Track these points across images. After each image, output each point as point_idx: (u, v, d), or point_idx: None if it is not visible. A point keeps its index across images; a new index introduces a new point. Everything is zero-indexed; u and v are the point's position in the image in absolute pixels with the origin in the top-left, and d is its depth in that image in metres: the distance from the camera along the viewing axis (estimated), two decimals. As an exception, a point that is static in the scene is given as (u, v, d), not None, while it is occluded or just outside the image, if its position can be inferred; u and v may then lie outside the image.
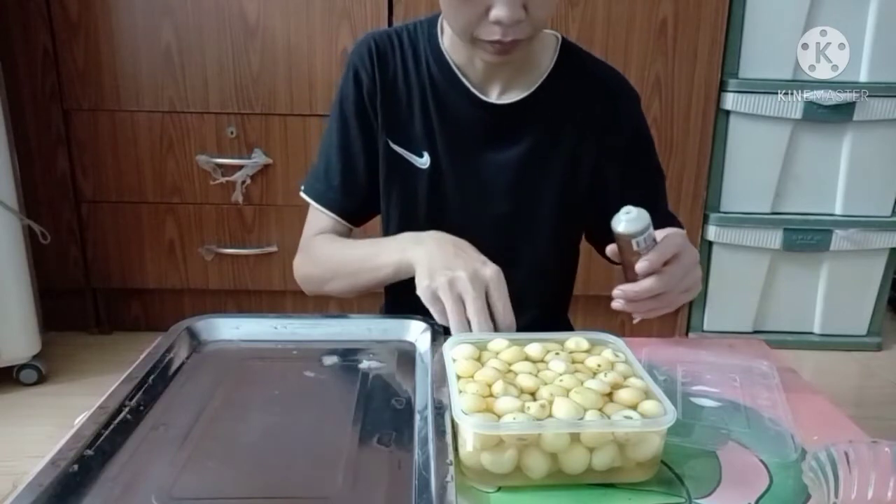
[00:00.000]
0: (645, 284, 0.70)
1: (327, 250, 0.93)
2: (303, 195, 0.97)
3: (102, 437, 0.59)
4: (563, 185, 0.92)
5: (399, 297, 0.98)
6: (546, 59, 0.90)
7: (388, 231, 0.97)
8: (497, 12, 0.75)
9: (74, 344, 2.07)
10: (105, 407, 0.62)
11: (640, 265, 0.70)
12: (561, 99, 0.90)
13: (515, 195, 0.91)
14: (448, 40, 0.89)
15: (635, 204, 0.72)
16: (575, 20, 1.88)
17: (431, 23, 0.91)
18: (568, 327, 1.05)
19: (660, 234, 0.75)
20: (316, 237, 0.95)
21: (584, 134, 0.91)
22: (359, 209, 0.96)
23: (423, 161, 0.91)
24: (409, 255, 0.79)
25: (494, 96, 0.89)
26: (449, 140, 0.90)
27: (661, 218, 0.89)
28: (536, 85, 0.89)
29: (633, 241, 0.70)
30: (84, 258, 2.05)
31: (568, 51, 0.92)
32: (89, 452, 0.57)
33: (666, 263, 0.71)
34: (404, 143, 0.91)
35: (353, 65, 0.92)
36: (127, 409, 0.63)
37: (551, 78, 0.89)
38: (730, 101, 1.95)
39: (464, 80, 0.88)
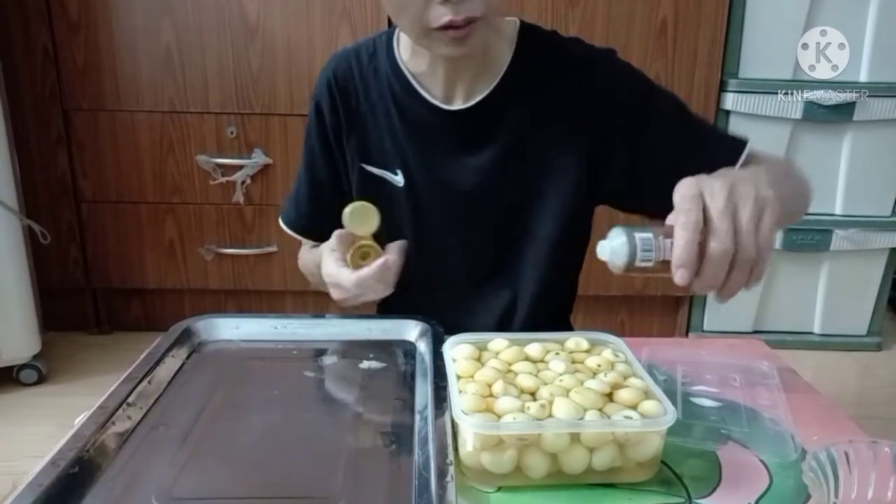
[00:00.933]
0: (704, 282, 0.57)
1: (304, 257, 1.00)
2: (280, 221, 1.00)
3: (102, 437, 0.59)
4: (556, 177, 0.86)
5: (386, 300, 0.99)
6: (506, 49, 0.84)
7: None
8: None
9: (74, 344, 2.07)
10: (105, 407, 0.62)
11: (679, 276, 0.56)
12: (530, 87, 0.84)
13: (503, 199, 0.87)
14: (406, 51, 0.86)
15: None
16: (575, 20, 1.88)
17: (389, 35, 0.88)
18: (568, 328, 1.04)
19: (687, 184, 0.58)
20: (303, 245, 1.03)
21: (568, 118, 0.84)
22: (330, 234, 0.93)
23: (399, 179, 0.89)
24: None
25: (460, 101, 0.84)
26: (420, 155, 0.87)
27: (713, 151, 0.78)
28: (498, 79, 0.84)
29: (638, 265, 0.58)
30: (84, 258, 2.05)
31: (527, 33, 0.86)
32: (89, 452, 0.57)
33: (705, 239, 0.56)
34: (380, 163, 0.89)
35: (315, 98, 0.91)
36: (127, 409, 0.63)
37: (514, 68, 0.84)
38: (730, 101, 1.95)
39: (422, 91, 0.85)
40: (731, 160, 0.79)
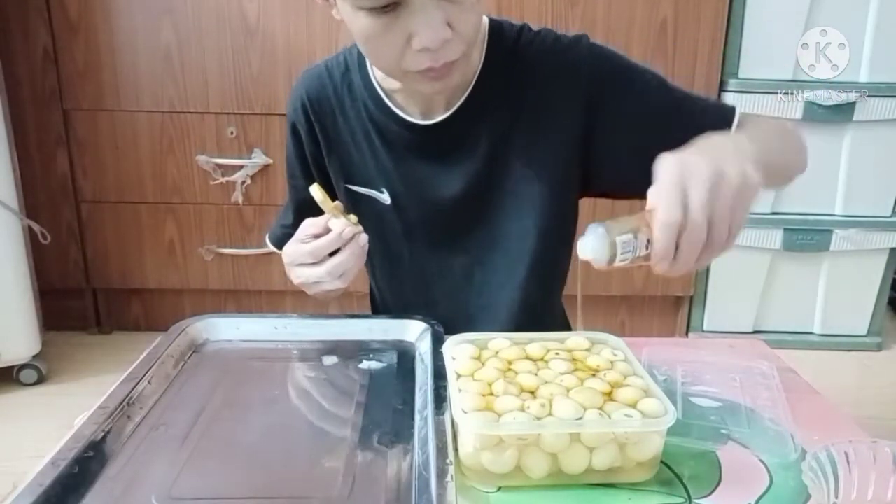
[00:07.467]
0: (677, 268, 0.58)
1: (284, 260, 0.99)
2: (266, 239, 0.99)
3: (102, 437, 0.59)
4: (541, 171, 0.83)
5: (386, 310, 0.99)
6: (476, 52, 0.81)
7: (374, 273, 0.97)
8: (421, 40, 0.67)
9: (74, 344, 2.07)
10: (105, 407, 0.62)
11: (659, 269, 0.59)
12: (504, 88, 0.82)
13: (490, 202, 0.86)
14: (379, 70, 0.84)
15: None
16: (575, 20, 1.89)
17: (361, 52, 0.86)
18: (564, 319, 1.02)
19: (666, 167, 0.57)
20: None
21: (546, 111, 0.82)
22: None
23: (385, 197, 0.87)
24: None
25: (440, 112, 0.82)
26: (404, 173, 0.86)
27: (700, 122, 0.74)
28: (470, 88, 0.81)
29: (617, 264, 0.60)
30: (84, 258, 2.05)
31: (496, 32, 0.83)
32: (89, 452, 0.57)
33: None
34: (364, 182, 0.88)
35: (290, 120, 0.90)
36: (127, 410, 0.63)
37: (486, 71, 0.81)
38: (730, 101, 1.94)
39: (397, 109, 0.83)
40: (720, 130, 0.76)
